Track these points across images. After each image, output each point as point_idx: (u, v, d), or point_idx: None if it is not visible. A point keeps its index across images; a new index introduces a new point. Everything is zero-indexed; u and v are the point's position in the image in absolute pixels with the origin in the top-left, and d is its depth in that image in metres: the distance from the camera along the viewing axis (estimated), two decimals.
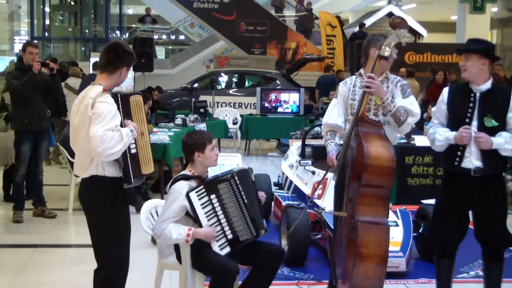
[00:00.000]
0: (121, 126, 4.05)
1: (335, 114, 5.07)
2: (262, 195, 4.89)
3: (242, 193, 4.63)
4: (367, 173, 4.43)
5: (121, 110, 4.08)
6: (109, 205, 4.15)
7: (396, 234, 6.06)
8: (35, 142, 8.01)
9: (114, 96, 4.09)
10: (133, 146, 4.15)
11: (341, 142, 5.05)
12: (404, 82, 5.01)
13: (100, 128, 3.89)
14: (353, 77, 5.13)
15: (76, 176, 4.50)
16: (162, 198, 5.05)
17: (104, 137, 3.88)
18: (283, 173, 8.58)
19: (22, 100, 7.79)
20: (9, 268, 6.41)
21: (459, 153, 4.69)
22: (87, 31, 27.30)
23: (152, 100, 12.31)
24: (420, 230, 6.62)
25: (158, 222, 4.60)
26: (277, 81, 17.40)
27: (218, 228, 4.59)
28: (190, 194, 4.54)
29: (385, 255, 4.44)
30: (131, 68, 4.47)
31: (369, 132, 4.61)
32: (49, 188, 8.74)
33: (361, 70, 5.07)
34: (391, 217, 6.09)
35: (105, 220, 4.18)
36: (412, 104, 4.88)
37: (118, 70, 4.18)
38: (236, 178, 4.63)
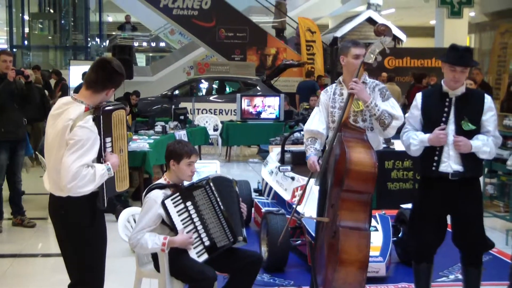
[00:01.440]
0: (101, 148, 3.83)
1: (316, 121, 5.11)
2: (243, 208, 4.89)
3: (218, 199, 4.63)
4: (349, 178, 4.45)
5: (101, 128, 3.83)
6: (87, 221, 3.93)
7: (376, 239, 6.07)
8: (12, 151, 7.91)
9: (96, 117, 3.80)
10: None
11: (321, 148, 5.08)
12: (382, 85, 5.04)
13: (75, 161, 3.65)
14: (333, 85, 5.17)
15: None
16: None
17: (77, 174, 3.65)
18: (263, 179, 8.57)
19: None
20: None
21: (435, 157, 4.71)
22: (67, 39, 27.14)
23: (130, 105, 12.25)
24: (399, 235, 6.64)
25: (134, 232, 4.58)
26: (258, 87, 17.40)
27: (195, 235, 4.59)
28: (166, 202, 4.54)
29: (366, 260, 4.45)
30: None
31: (351, 138, 4.64)
32: (28, 197, 8.67)
33: (340, 78, 5.11)
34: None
35: (82, 238, 3.93)
36: (393, 107, 4.91)
37: (105, 91, 3.91)
38: (211, 184, 4.64)
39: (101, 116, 3.83)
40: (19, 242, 7.52)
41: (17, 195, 8.22)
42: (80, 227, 3.92)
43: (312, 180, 5.13)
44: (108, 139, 3.91)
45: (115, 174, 3.97)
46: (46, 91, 12.49)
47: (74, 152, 3.67)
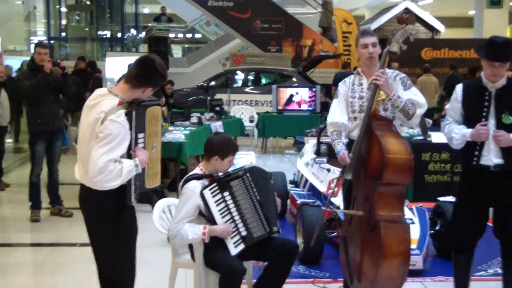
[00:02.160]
0: (131, 143, 3.80)
1: (338, 113, 5.05)
2: (277, 200, 4.89)
3: (255, 189, 4.65)
4: (387, 171, 4.40)
5: (133, 124, 3.79)
6: (116, 214, 3.91)
7: (413, 232, 5.98)
8: (49, 142, 8.05)
9: (129, 112, 3.76)
10: None
11: (347, 140, 5.03)
12: (403, 74, 4.96)
13: (103, 156, 3.64)
14: (352, 76, 5.13)
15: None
16: (178, 197, 5.05)
17: (103, 169, 3.63)
18: (299, 171, 8.55)
19: (34, 100, 7.85)
20: (26, 267, 6.45)
21: (476, 152, 4.66)
22: (103, 31, 27.40)
23: (166, 95, 12.30)
24: (436, 228, 6.57)
25: (173, 223, 4.59)
26: (293, 79, 17.35)
27: (232, 225, 4.60)
28: (204, 192, 4.56)
29: (408, 253, 4.43)
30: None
31: (383, 129, 4.59)
32: (65, 187, 8.77)
33: (358, 69, 5.07)
34: (407, 214, 6.04)
35: (111, 230, 3.93)
36: (416, 95, 4.84)
37: (142, 88, 3.87)
38: (248, 175, 4.65)
39: (134, 112, 3.79)
40: (57, 232, 7.63)
41: (54, 185, 8.34)
42: (109, 219, 3.91)
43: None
44: (140, 135, 3.88)
45: (146, 170, 3.96)
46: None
47: (102, 145, 3.66)
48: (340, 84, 5.18)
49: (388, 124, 4.71)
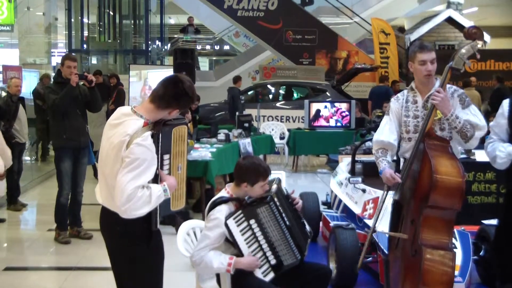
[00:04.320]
0: (158, 166, 3.81)
1: (387, 131, 5.03)
2: (297, 201, 4.86)
3: (283, 214, 4.62)
4: (435, 193, 4.37)
5: (160, 146, 3.79)
6: (144, 240, 3.92)
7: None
8: (75, 159, 8.06)
9: (155, 134, 3.76)
10: None
11: (392, 160, 5.00)
12: (461, 91, 4.92)
13: (131, 182, 3.63)
14: (405, 91, 5.09)
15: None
16: (203, 218, 5.03)
17: (131, 196, 3.63)
18: (332, 191, 8.53)
19: (60, 114, 7.88)
20: None
21: None
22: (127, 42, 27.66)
23: (191, 111, 12.36)
24: (481, 253, 6.49)
25: (197, 249, 4.60)
26: (327, 93, 17.36)
27: (260, 254, 4.59)
28: (228, 222, 4.54)
29: (450, 283, 4.40)
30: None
31: (436, 149, 4.56)
32: (85, 207, 8.82)
33: (412, 84, 5.03)
34: None
35: (138, 256, 3.94)
36: (475, 115, 4.79)
37: (169, 109, 3.86)
38: (275, 200, 4.63)
39: (160, 134, 3.79)
40: (76, 255, 7.68)
41: (77, 206, 8.32)
42: (134, 243, 3.91)
43: (388, 194, 5.04)
44: (166, 156, 3.88)
45: (171, 192, 3.94)
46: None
47: (130, 171, 3.65)
48: (392, 100, 5.15)
49: (443, 144, 4.66)
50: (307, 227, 4.92)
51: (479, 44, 4.74)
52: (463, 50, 4.69)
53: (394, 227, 4.88)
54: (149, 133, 3.74)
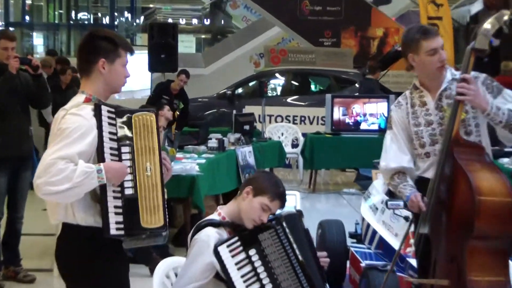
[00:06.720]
0: (102, 149, 3.95)
1: (393, 154, 5.10)
2: (323, 257, 4.85)
3: (294, 245, 4.57)
4: (480, 218, 4.40)
5: (102, 122, 3.95)
6: (86, 265, 4.05)
7: None
8: (13, 172, 7.90)
9: (97, 106, 3.99)
10: (128, 184, 3.99)
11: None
12: (483, 75, 4.95)
13: (54, 152, 3.80)
14: (407, 93, 5.14)
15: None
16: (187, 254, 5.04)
17: (51, 167, 3.76)
18: (363, 219, 8.53)
19: None
20: None
21: None
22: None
23: (171, 96, 12.34)
24: None
25: None
26: (356, 85, 17.37)
27: None
28: (219, 248, 4.47)
29: None
30: (127, 57, 4.28)
31: (471, 159, 4.58)
32: (26, 239, 8.80)
33: (416, 82, 5.08)
34: None
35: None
36: None
37: (94, 66, 4.11)
38: (284, 224, 4.60)
39: (107, 107, 4.00)
40: None
41: (14, 238, 8.16)
42: (80, 271, 4.06)
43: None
44: (125, 149, 4.01)
45: (140, 200, 4.02)
46: None
47: (57, 142, 3.85)
48: (392, 107, 5.23)
49: (478, 152, 4.72)
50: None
51: (506, 16, 4.75)
52: (485, 26, 4.72)
53: (424, 271, 4.92)
54: (90, 106, 3.97)
